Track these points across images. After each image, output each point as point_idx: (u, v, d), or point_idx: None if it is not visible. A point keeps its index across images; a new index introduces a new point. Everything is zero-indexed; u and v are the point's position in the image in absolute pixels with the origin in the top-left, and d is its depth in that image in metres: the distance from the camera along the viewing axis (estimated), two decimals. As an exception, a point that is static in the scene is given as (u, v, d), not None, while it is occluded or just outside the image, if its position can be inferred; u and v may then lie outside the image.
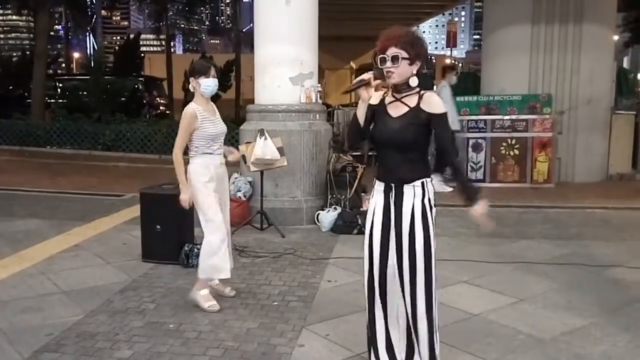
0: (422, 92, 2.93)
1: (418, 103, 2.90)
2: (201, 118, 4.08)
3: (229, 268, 4.19)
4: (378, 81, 2.88)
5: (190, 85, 4.17)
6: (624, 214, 7.55)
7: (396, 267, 2.96)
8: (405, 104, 2.91)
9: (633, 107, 10.91)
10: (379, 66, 2.87)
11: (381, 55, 2.86)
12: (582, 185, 9.59)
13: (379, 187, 3.02)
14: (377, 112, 2.98)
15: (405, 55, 2.82)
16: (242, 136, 7.11)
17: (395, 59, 2.82)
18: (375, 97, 3.00)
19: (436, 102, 2.91)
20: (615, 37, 12.11)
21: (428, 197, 2.95)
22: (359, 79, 2.87)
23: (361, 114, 2.95)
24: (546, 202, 8.22)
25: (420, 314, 2.94)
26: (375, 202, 3.03)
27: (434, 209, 2.97)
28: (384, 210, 2.98)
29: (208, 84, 4.09)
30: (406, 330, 3.01)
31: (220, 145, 4.22)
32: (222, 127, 4.21)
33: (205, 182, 4.08)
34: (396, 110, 2.92)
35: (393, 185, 2.95)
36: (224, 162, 4.25)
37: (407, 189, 2.93)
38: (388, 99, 2.96)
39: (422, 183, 2.93)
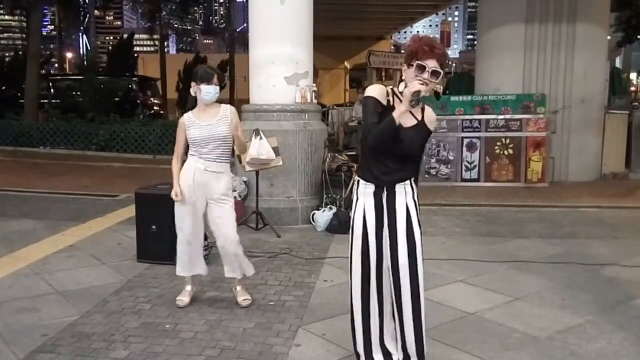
0: (422, 104, 2.94)
1: (422, 117, 2.96)
2: (189, 124, 4.15)
3: (183, 268, 4.29)
4: (428, 90, 2.83)
5: (192, 90, 4.18)
6: (618, 212, 7.58)
7: (390, 265, 2.99)
8: (414, 116, 2.94)
9: (626, 107, 10.95)
10: (416, 72, 2.81)
11: (420, 62, 2.80)
12: (576, 185, 9.63)
13: (368, 189, 3.01)
14: (386, 116, 2.88)
15: (441, 72, 2.84)
16: (237, 136, 7.09)
17: (435, 74, 2.82)
18: (377, 90, 2.94)
19: (434, 119, 3.00)
20: (608, 37, 12.15)
21: (416, 193, 3.05)
22: (416, 90, 2.74)
23: (397, 119, 2.80)
24: (540, 201, 8.25)
25: (423, 312, 2.99)
26: (363, 204, 3.02)
27: (419, 206, 3.07)
28: (377, 211, 3.00)
29: (208, 91, 4.11)
30: (400, 331, 3.04)
31: (212, 150, 4.11)
32: (209, 132, 4.09)
33: (183, 186, 4.15)
34: (406, 120, 2.90)
35: (385, 186, 2.97)
36: (218, 171, 4.14)
37: (399, 187, 2.98)
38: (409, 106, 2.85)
39: (410, 182, 3.02)
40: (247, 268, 4.28)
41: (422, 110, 2.97)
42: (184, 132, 4.14)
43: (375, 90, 2.94)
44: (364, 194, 3.02)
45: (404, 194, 2.99)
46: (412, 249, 2.95)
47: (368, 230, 3.02)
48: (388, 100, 2.91)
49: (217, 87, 4.15)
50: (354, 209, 3.07)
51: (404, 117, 2.85)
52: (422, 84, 2.77)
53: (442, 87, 3.10)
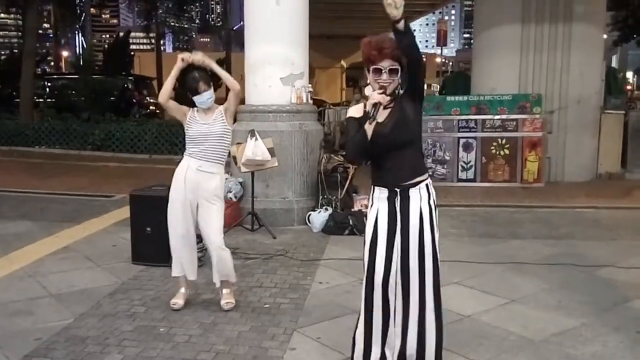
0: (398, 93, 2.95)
1: (400, 102, 2.93)
2: (189, 119, 4.19)
3: (178, 269, 4.29)
4: (388, 98, 2.85)
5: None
6: (614, 213, 7.58)
7: (400, 272, 2.96)
8: (388, 107, 2.93)
9: (622, 107, 10.95)
10: (373, 77, 2.86)
11: (375, 66, 2.84)
12: (572, 185, 9.63)
13: (381, 194, 2.98)
14: (363, 122, 2.91)
15: (399, 67, 2.84)
16: (232, 137, 7.06)
17: (394, 71, 2.83)
18: (357, 110, 2.99)
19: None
20: (604, 36, 12.16)
21: (432, 198, 2.98)
22: (374, 102, 2.78)
23: (370, 132, 2.83)
24: (536, 201, 8.25)
25: (429, 318, 2.96)
26: (377, 209, 2.99)
27: (437, 210, 3.00)
28: (390, 216, 2.95)
29: (201, 101, 4.15)
30: (401, 335, 3.02)
31: (207, 149, 4.13)
32: (206, 130, 4.13)
33: (174, 188, 4.19)
34: (382, 115, 2.90)
35: (398, 190, 2.93)
36: (211, 171, 4.14)
37: (413, 192, 2.92)
38: (378, 117, 2.88)
39: (426, 185, 2.96)
40: (230, 275, 4.25)
41: (398, 97, 2.95)
42: (184, 114, 4.19)
43: (351, 111, 3.04)
44: (377, 200, 3.00)
45: (419, 199, 2.93)
46: (421, 257, 2.92)
47: (378, 237, 2.98)
48: (366, 111, 2.90)
49: (208, 92, 4.14)
50: (368, 214, 3.04)
51: (380, 114, 2.85)
52: (381, 93, 2.80)
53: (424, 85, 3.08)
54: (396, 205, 2.94)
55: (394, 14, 2.65)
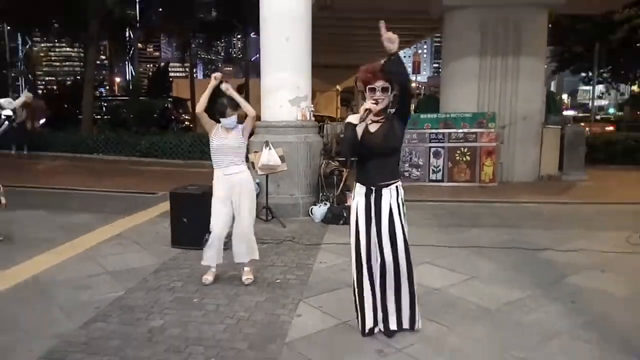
0: (388, 112, 2.98)
1: (389, 117, 2.97)
2: (215, 132, 4.19)
3: (210, 259, 4.23)
4: (378, 108, 2.88)
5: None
6: (553, 207, 7.56)
7: (378, 254, 2.97)
8: (380, 122, 2.93)
9: (559, 122, 10.92)
10: (369, 95, 2.87)
11: (370, 86, 2.85)
12: (520, 184, 9.61)
13: (360, 189, 3.01)
14: (359, 130, 2.97)
15: (390, 86, 2.85)
16: (251, 147, 7.02)
17: (385, 90, 2.85)
18: (355, 118, 2.99)
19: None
20: (545, 67, 12.13)
21: (401, 196, 3.01)
22: (366, 109, 2.82)
23: (360, 133, 2.89)
24: (492, 197, 8.21)
25: (404, 287, 2.98)
26: (357, 202, 3.01)
27: (404, 205, 3.03)
28: (366, 209, 2.99)
29: (227, 123, 4.14)
30: (381, 303, 3.04)
31: (231, 160, 4.13)
32: (225, 142, 4.12)
33: (215, 195, 4.17)
34: (374, 127, 2.93)
35: (373, 188, 2.95)
36: (235, 172, 4.14)
37: (385, 191, 2.95)
38: (368, 120, 2.94)
39: (396, 187, 2.96)
40: (254, 253, 4.27)
41: (389, 116, 2.97)
42: (211, 126, 4.17)
43: (350, 118, 3.03)
44: (357, 195, 3.02)
45: (389, 197, 2.95)
46: (394, 244, 2.93)
47: (359, 226, 3.00)
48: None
49: (233, 117, 4.13)
50: (351, 206, 3.06)
51: (372, 126, 2.91)
52: (373, 103, 2.83)
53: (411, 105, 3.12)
54: (371, 200, 2.97)
55: (390, 48, 2.68)
